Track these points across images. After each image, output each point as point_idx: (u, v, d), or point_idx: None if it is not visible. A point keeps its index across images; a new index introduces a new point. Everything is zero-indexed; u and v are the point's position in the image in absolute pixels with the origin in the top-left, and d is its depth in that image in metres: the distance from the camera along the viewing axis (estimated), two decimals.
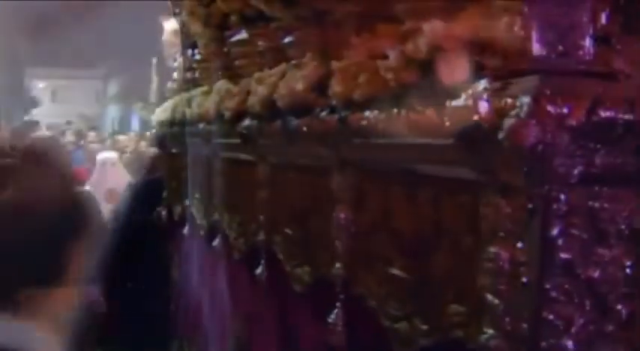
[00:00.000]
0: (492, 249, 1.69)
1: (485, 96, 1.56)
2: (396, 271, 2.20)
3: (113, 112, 40.56)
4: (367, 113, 2.18)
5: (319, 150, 2.61)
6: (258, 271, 3.47)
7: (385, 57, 2.04)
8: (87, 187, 7.78)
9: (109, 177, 7.48)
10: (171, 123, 5.37)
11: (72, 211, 4.94)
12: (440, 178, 1.96)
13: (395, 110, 1.98)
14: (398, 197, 2.20)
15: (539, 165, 1.48)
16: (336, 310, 2.60)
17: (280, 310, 3.49)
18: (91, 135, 13.60)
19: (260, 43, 3.76)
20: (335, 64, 2.42)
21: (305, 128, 2.68)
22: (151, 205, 6.39)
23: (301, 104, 2.71)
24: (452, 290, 1.94)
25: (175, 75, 6.69)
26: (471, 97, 1.58)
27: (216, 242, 4.43)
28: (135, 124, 28.28)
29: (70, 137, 14.82)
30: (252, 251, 3.70)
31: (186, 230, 5.47)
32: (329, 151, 2.56)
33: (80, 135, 16.05)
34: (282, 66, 3.16)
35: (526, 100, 1.48)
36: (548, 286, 1.62)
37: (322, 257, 2.77)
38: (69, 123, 26.93)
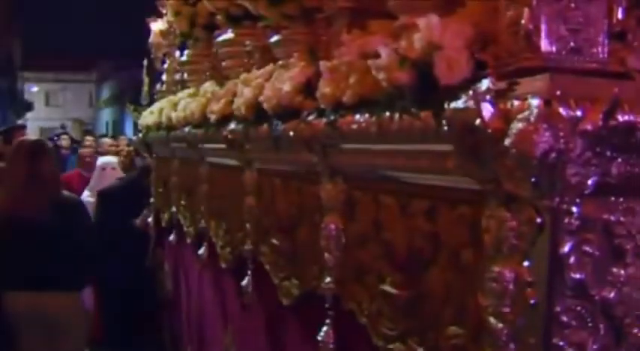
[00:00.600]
0: (495, 267, 1.51)
1: (488, 97, 1.39)
2: (388, 288, 2.03)
3: (107, 115, 40.36)
4: (358, 117, 2.01)
5: (306, 156, 2.44)
6: (244, 282, 3.31)
7: (377, 56, 1.87)
8: (87, 192, 7.64)
9: (108, 181, 7.34)
10: (157, 126, 5.21)
11: (58, 215, 4.89)
12: (437, 187, 1.79)
13: (388, 113, 1.80)
14: (391, 208, 2.04)
15: (549, 174, 1.31)
16: (325, 327, 2.43)
17: (268, 323, 3.33)
18: (89, 139, 13.42)
19: (247, 42, 3.61)
20: (323, 64, 2.25)
21: (292, 133, 2.51)
22: (125, 209, 6.27)
23: (288, 107, 2.54)
24: (450, 310, 1.77)
25: (164, 77, 6.54)
26: (473, 99, 1.41)
27: (202, 250, 4.27)
28: (128, 127, 28.16)
29: (64, 142, 14.69)
30: (239, 261, 3.54)
31: (172, 237, 5.32)
32: (317, 157, 2.39)
33: (74, 140, 15.89)
34: (269, 67, 3.00)
35: (535, 102, 1.31)
36: (558, 309, 1.47)
37: (311, 270, 2.60)
38: (63, 126, 26.76)
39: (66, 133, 17.69)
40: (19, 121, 25.66)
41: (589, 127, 1.30)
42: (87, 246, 5.03)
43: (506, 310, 1.52)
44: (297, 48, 2.79)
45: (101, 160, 8.15)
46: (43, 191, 4.97)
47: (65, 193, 5.35)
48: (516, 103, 1.37)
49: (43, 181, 4.99)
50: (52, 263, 4.83)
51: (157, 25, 6.26)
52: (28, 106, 34.82)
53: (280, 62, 2.93)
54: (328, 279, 2.40)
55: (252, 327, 3.57)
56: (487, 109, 1.37)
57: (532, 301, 1.48)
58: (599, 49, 1.52)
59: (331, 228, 2.38)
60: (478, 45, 1.63)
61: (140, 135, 6.21)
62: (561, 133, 1.26)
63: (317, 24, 2.87)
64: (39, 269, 4.83)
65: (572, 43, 1.51)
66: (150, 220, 6.29)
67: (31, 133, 12.23)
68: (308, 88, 2.45)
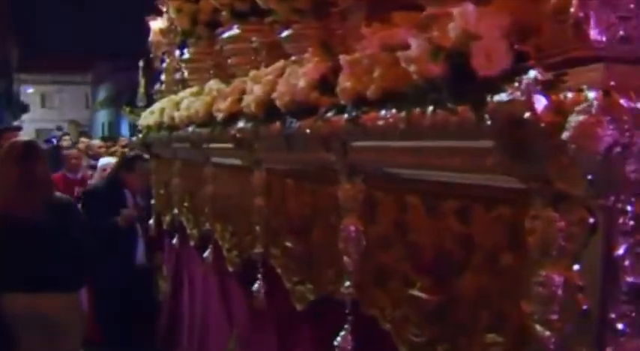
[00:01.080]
0: (542, 271, 1.41)
1: (539, 89, 1.29)
2: (416, 292, 1.93)
3: (103, 116, 40.22)
4: (383, 112, 1.90)
5: (323, 154, 2.34)
6: (255, 286, 3.20)
7: (404, 47, 1.76)
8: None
9: None
10: (158, 127, 5.11)
11: (53, 215, 4.83)
12: (471, 186, 1.69)
13: (418, 108, 1.70)
14: (417, 208, 1.93)
15: (609, 170, 1.20)
16: (343, 332, 2.33)
17: (280, 330, 3.22)
18: (84, 141, 13.32)
19: (254, 39, 3.50)
20: (343, 58, 2.15)
21: (308, 130, 2.40)
22: (111, 207, 6.20)
23: (303, 104, 2.43)
24: (487, 316, 1.67)
25: (163, 77, 6.45)
26: (522, 91, 1.31)
27: (207, 253, 4.17)
28: (125, 129, 28.03)
29: (65, 143, 14.57)
30: (248, 264, 3.44)
31: (175, 240, 5.21)
32: (335, 156, 2.29)
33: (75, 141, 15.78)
34: (281, 63, 2.90)
35: (593, 93, 1.20)
36: (612, 316, 1.36)
37: (327, 273, 2.50)
38: (59, 128, 26.62)
39: (67, 134, 17.57)
40: (15, 123, 25.54)
41: None
42: (84, 245, 4.96)
43: (554, 317, 1.42)
44: (310, 43, 2.69)
45: (102, 162, 8.07)
46: (37, 192, 4.90)
47: (58, 193, 5.30)
48: (570, 95, 1.26)
49: (36, 182, 4.92)
50: (50, 264, 4.77)
51: (156, 24, 6.16)
52: (24, 108, 34.67)
53: (292, 58, 2.83)
54: (347, 283, 2.30)
55: (260, 332, 3.47)
56: (540, 102, 1.27)
57: (584, 307, 1.38)
58: None
59: (350, 230, 2.28)
60: (517, 35, 1.53)
61: (140, 136, 6.11)
62: (626, 126, 1.16)
63: (330, 18, 2.76)
64: (37, 270, 4.76)
65: (621, 32, 1.41)
66: (151, 222, 6.19)
67: (27, 135, 12.06)
68: (324, 83, 2.35)
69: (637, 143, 1.20)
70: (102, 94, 39.65)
